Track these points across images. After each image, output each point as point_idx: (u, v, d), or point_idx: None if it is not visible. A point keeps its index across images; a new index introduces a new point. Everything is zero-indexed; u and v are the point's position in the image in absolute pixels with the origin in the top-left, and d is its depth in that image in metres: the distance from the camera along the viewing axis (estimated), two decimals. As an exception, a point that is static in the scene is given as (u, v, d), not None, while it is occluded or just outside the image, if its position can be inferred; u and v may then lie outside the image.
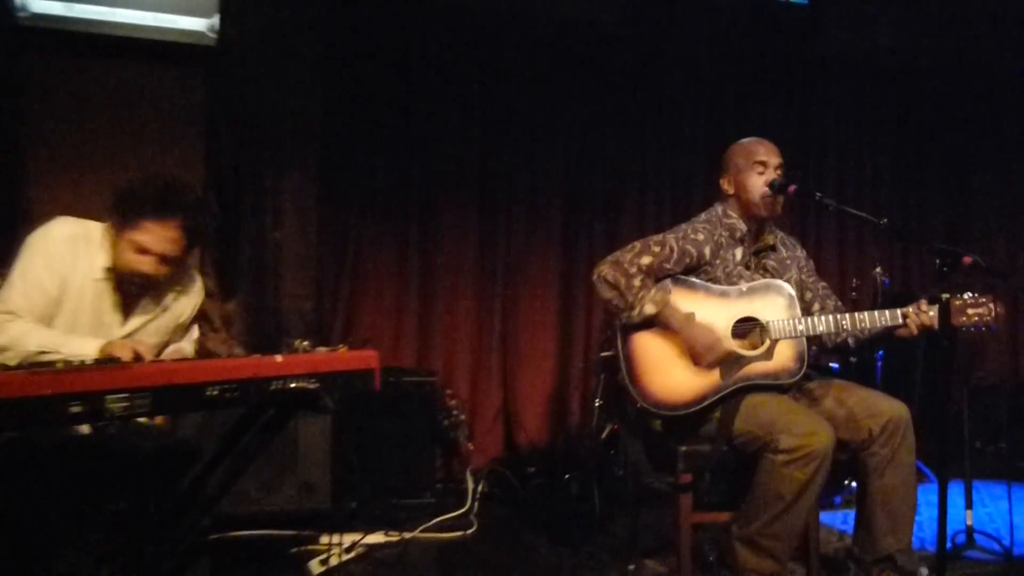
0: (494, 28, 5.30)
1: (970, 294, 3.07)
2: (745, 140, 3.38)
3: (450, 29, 5.22)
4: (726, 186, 3.34)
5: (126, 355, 2.32)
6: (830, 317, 3.15)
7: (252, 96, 4.67)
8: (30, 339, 2.48)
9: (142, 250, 2.64)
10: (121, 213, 2.64)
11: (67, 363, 2.07)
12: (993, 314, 3.06)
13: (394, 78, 5.11)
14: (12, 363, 2.43)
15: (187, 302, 2.93)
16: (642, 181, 5.64)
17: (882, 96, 6.19)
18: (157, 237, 2.63)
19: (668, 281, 3.17)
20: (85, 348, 2.43)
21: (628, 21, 5.48)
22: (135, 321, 2.79)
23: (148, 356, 2.37)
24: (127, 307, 2.77)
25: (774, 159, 3.27)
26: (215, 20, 4.66)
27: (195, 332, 3.01)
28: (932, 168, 6.32)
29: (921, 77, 6.23)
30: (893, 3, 5.99)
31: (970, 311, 3.06)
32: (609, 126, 5.56)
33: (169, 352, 2.83)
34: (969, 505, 3.78)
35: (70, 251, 2.65)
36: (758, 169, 3.25)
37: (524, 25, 5.34)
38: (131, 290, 2.75)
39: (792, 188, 3.19)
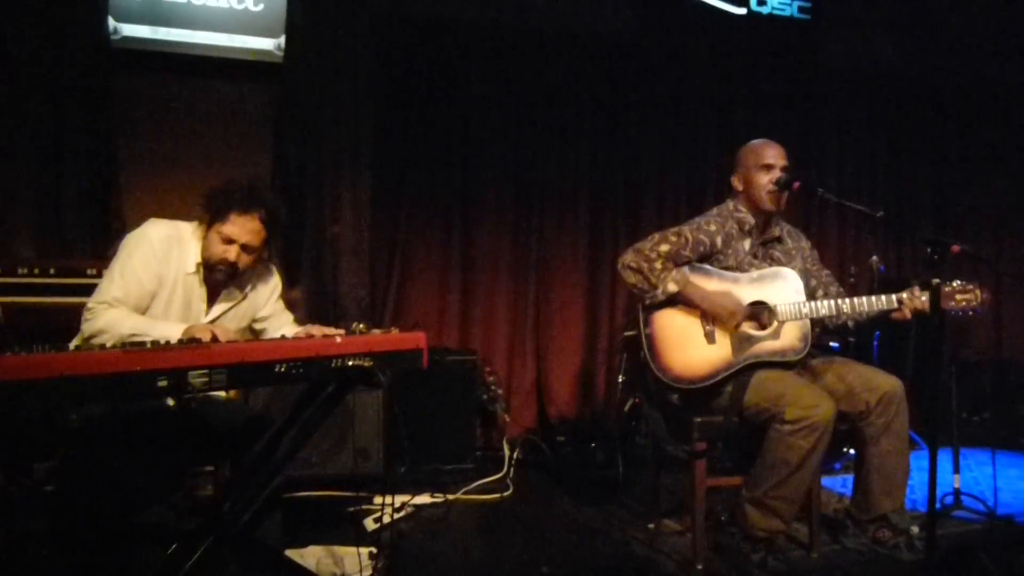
0: (526, 44, 5.27)
1: (959, 281, 3.04)
2: (754, 142, 3.35)
3: (487, 45, 5.21)
4: (736, 183, 3.32)
5: (206, 336, 2.36)
6: (831, 301, 3.12)
7: (314, 107, 4.69)
8: (124, 324, 2.53)
9: (228, 240, 2.69)
10: (212, 209, 2.70)
11: (155, 343, 2.11)
12: (979, 300, 3.03)
13: (438, 89, 5.11)
14: (108, 344, 2.48)
15: (264, 291, 2.94)
16: (659, 179, 5.59)
17: (879, 102, 6.09)
18: (242, 228, 2.68)
19: (685, 268, 3.16)
20: (171, 331, 2.47)
21: (645, 35, 5.44)
22: (218, 309, 2.81)
23: (224, 338, 2.40)
24: (212, 297, 2.80)
25: (780, 160, 3.24)
26: (281, 40, 4.68)
27: (289, 317, 3.02)
28: (924, 165, 6.22)
29: (915, 86, 6.12)
30: (890, 19, 5.91)
31: (958, 296, 3.04)
32: (629, 130, 5.52)
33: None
34: (956, 470, 3.74)
35: (165, 251, 2.70)
36: (765, 169, 3.23)
37: (553, 41, 5.32)
38: (216, 281, 2.78)
39: (796, 184, 3.17)
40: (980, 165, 6.32)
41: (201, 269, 2.75)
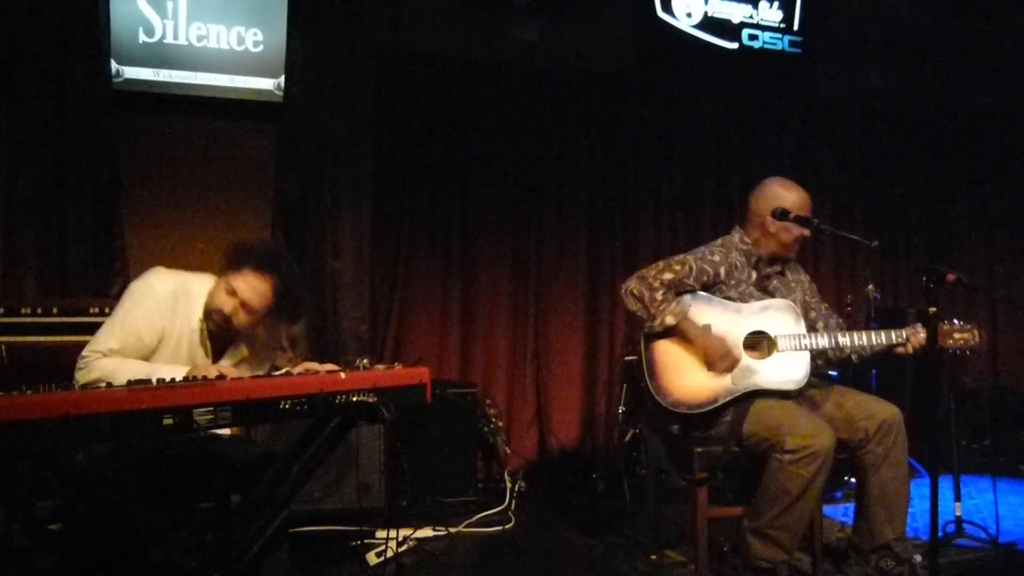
0: (525, 80, 5.34)
1: (958, 321, 3.06)
2: (794, 188, 3.26)
3: (486, 81, 5.27)
4: (769, 225, 3.22)
5: (211, 374, 2.36)
6: (832, 334, 3.15)
7: (313, 144, 4.73)
8: (122, 372, 2.47)
9: (232, 292, 2.63)
10: (229, 259, 2.66)
11: (161, 381, 2.12)
12: (977, 339, 3.05)
13: (437, 125, 5.15)
14: None
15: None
16: (656, 211, 5.63)
17: (871, 132, 6.16)
18: (249, 285, 2.63)
19: (687, 296, 3.17)
20: (174, 373, 2.45)
21: (642, 71, 5.51)
22: (225, 363, 2.76)
23: (231, 375, 2.40)
24: (217, 352, 2.76)
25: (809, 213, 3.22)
26: (281, 80, 4.74)
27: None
28: (917, 195, 6.28)
29: (906, 115, 6.20)
30: (879, 51, 5.99)
31: (956, 335, 3.06)
32: (626, 162, 5.56)
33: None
34: (958, 498, 3.73)
35: (170, 306, 2.65)
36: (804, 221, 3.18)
37: (552, 76, 5.39)
38: (220, 336, 2.73)
39: (791, 215, 3.17)
40: (972, 191, 6.37)
41: (204, 324, 2.69)
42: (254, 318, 2.69)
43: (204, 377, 2.28)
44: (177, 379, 2.27)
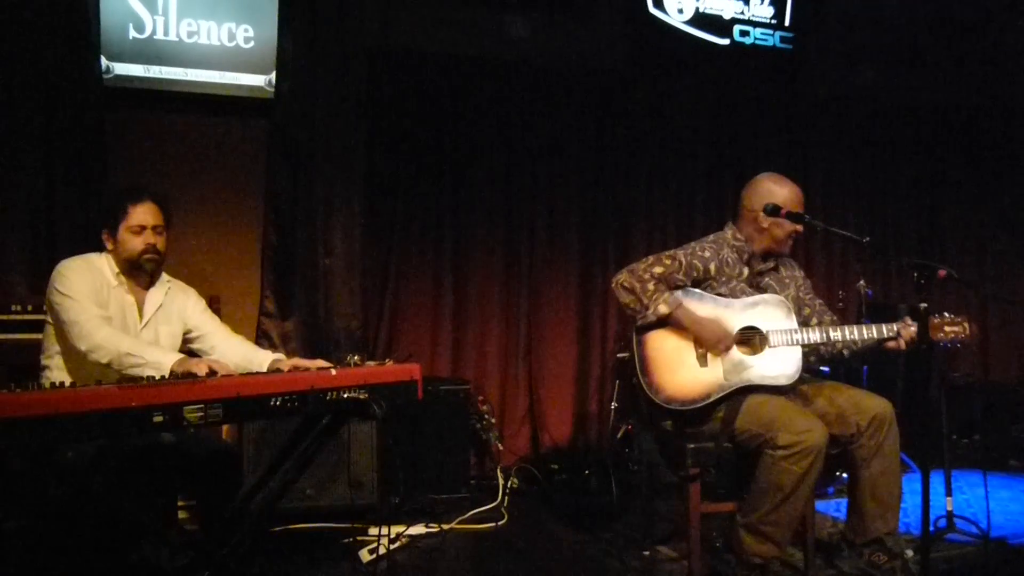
0: (517, 77, 5.33)
1: (948, 314, 3.07)
2: (787, 183, 3.26)
3: (477, 78, 5.25)
4: (762, 220, 3.22)
5: (201, 370, 2.35)
6: (823, 328, 3.15)
7: (305, 141, 4.70)
8: (120, 341, 2.62)
9: (140, 228, 2.85)
10: (111, 217, 2.88)
11: (151, 378, 2.11)
12: (967, 332, 3.06)
13: (428, 122, 5.14)
14: (104, 360, 2.56)
15: (183, 297, 3.07)
16: (648, 207, 5.62)
17: (863, 128, 6.16)
18: (144, 212, 2.87)
19: (679, 292, 3.17)
20: (164, 358, 2.51)
21: (634, 67, 5.50)
22: (149, 311, 2.94)
23: (222, 371, 2.39)
24: (140, 303, 2.94)
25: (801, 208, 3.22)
26: (272, 77, 4.72)
27: (226, 330, 3.13)
28: (908, 191, 6.28)
29: (898, 111, 6.21)
30: (871, 48, 6.00)
31: (947, 328, 3.07)
32: (619, 159, 5.55)
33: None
34: (949, 492, 3.74)
35: (87, 277, 2.82)
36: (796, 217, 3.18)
37: (543, 73, 5.37)
38: (139, 284, 2.93)
39: (783, 211, 3.17)
40: (962, 188, 6.38)
41: (122, 279, 2.88)
42: (165, 233, 2.96)
43: (194, 374, 2.28)
44: (164, 366, 2.27)
